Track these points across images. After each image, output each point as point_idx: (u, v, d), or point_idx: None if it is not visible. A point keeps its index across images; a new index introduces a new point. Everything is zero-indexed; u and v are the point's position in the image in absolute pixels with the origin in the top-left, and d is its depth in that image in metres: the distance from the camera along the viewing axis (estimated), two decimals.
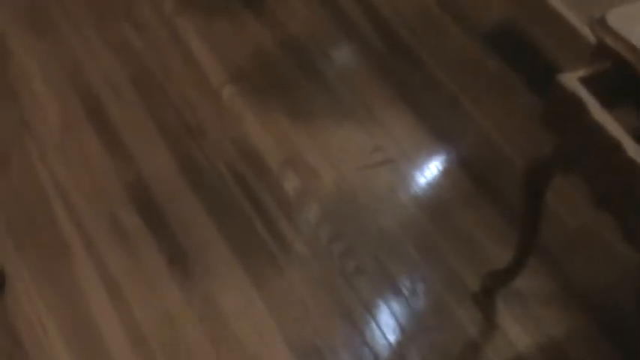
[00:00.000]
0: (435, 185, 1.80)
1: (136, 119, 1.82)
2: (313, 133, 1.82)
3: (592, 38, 1.12)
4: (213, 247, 1.64)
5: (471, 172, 1.80)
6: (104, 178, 1.73)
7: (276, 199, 1.71)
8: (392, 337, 1.56)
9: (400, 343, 1.56)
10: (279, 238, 1.66)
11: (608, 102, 1.04)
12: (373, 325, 1.58)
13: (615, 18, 1.09)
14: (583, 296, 1.62)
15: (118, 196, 1.69)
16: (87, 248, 1.62)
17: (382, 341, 1.56)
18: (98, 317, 1.54)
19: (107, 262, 1.61)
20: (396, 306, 1.60)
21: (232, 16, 2.02)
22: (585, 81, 1.01)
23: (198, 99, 1.86)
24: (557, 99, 1.03)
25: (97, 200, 1.69)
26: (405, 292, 1.62)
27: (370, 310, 1.59)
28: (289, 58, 1.95)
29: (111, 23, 1.98)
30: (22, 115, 1.81)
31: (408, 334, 1.58)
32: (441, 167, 1.83)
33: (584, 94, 0.98)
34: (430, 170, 1.82)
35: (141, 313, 1.55)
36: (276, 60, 1.95)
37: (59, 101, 1.84)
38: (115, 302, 1.56)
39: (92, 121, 1.81)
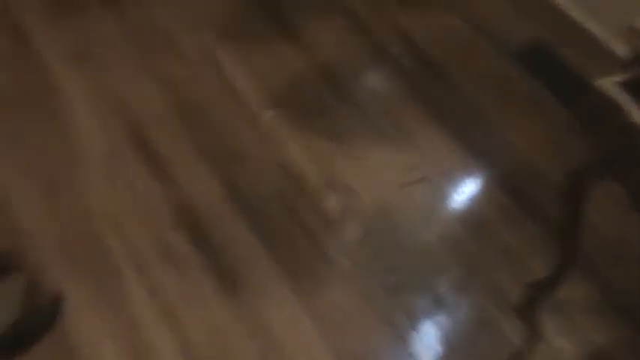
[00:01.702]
0: (473, 201, 1.84)
1: (180, 146, 1.88)
2: (351, 154, 1.88)
3: (619, 50, 1.16)
4: (259, 265, 1.69)
5: (507, 186, 1.84)
6: (151, 203, 1.78)
7: (318, 218, 1.76)
8: (437, 349, 1.60)
9: (445, 355, 1.60)
10: (322, 255, 1.71)
11: None
12: (417, 337, 1.61)
13: None
14: (626, 305, 1.64)
15: (165, 220, 1.75)
16: (138, 271, 1.67)
17: (427, 353, 1.59)
18: (152, 337, 1.59)
19: (159, 284, 1.66)
20: (439, 318, 1.64)
21: (269, 43, 2.09)
22: (622, 86, 1.05)
23: (240, 124, 1.92)
24: (595, 103, 1.07)
25: (146, 225, 1.75)
26: (448, 304, 1.66)
27: (414, 324, 1.63)
28: (324, 83, 2.01)
29: (153, 54, 2.05)
30: (69, 145, 1.87)
31: (453, 346, 1.61)
32: (477, 183, 1.87)
33: (622, 96, 1.02)
34: (467, 186, 1.87)
35: (193, 331, 1.59)
36: (312, 85, 2.01)
37: (105, 131, 1.90)
38: (169, 322, 1.61)
39: (137, 149, 1.87)
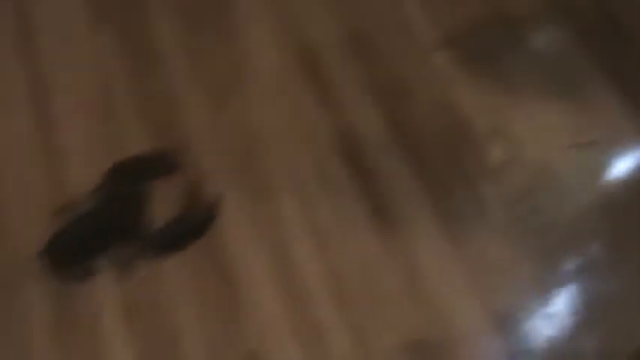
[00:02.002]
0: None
1: (348, 74, 1.87)
2: (522, 106, 1.82)
3: None
4: (414, 203, 1.68)
5: None
6: (313, 127, 1.80)
7: (480, 165, 1.73)
8: (581, 314, 1.56)
9: (588, 321, 1.55)
10: (479, 203, 1.68)
11: None
12: (563, 300, 1.58)
13: None
14: None
15: (327, 144, 1.76)
16: (295, 191, 1.70)
17: (573, 317, 1.55)
18: (301, 255, 1.62)
19: (313, 207, 1.68)
20: (590, 283, 1.59)
21: None
22: None
23: (410, 61, 1.89)
24: None
25: (306, 147, 1.76)
26: (600, 271, 1.61)
27: (565, 285, 1.59)
28: (502, 29, 1.95)
29: None
30: (239, 60, 1.90)
31: (597, 313, 1.57)
32: None
33: None
34: (636, 156, 1.79)
35: (342, 257, 1.61)
36: (489, 30, 1.95)
37: (277, 52, 1.92)
38: (318, 243, 1.63)
39: (306, 72, 1.88)
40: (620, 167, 1.77)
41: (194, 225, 1.63)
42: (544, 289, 1.59)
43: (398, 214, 1.67)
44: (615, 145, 1.79)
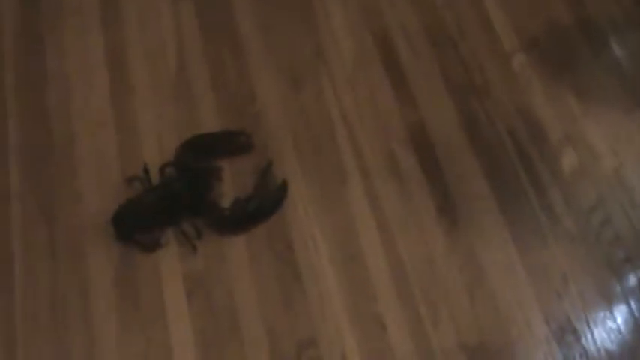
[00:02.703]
0: None
1: (424, 67, 1.86)
2: (599, 116, 1.79)
3: None
4: (482, 203, 1.67)
5: None
6: (388, 116, 1.79)
7: (551, 172, 1.71)
8: None
9: None
10: (548, 210, 1.66)
11: None
12: (631, 315, 1.55)
13: None
14: None
15: (398, 135, 1.75)
16: (364, 180, 1.70)
17: (636, 333, 1.53)
18: (365, 245, 1.62)
19: (380, 196, 1.67)
20: None
21: None
22: None
23: (488, 60, 1.87)
24: None
25: (379, 135, 1.76)
26: None
27: (630, 300, 1.57)
28: (584, 36, 1.92)
29: None
30: (318, 47, 1.89)
31: None
32: None
33: None
34: None
35: (405, 251, 1.61)
36: (571, 35, 1.92)
37: (355, 39, 1.91)
38: (383, 235, 1.63)
39: (383, 61, 1.87)
40: None
41: (262, 206, 1.63)
42: (608, 303, 1.57)
43: (465, 214, 1.66)
44: None
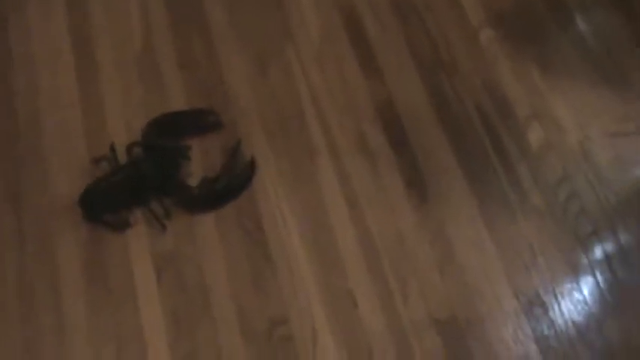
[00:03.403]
0: None
1: (392, 43, 1.86)
2: (564, 89, 1.81)
3: None
4: (450, 178, 1.68)
5: None
6: (356, 93, 1.79)
7: (518, 147, 1.72)
8: (613, 301, 1.55)
9: (620, 308, 1.55)
10: (516, 185, 1.67)
11: None
12: (597, 287, 1.57)
13: None
14: None
15: (367, 112, 1.75)
16: (332, 157, 1.70)
17: (603, 304, 1.55)
18: (334, 221, 1.63)
19: (349, 173, 1.68)
20: (622, 273, 1.59)
21: None
22: None
23: (455, 35, 1.87)
24: None
25: (347, 113, 1.76)
26: (634, 262, 1.60)
27: (596, 272, 1.59)
28: (551, 11, 1.92)
29: None
30: (285, 25, 1.88)
31: (630, 300, 1.56)
32: None
33: None
34: None
35: (375, 227, 1.62)
36: (538, 10, 1.93)
37: (321, 16, 1.90)
38: (352, 212, 1.63)
39: (350, 38, 1.87)
40: None
41: (230, 184, 1.63)
42: (575, 276, 1.59)
43: (434, 189, 1.66)
44: None
